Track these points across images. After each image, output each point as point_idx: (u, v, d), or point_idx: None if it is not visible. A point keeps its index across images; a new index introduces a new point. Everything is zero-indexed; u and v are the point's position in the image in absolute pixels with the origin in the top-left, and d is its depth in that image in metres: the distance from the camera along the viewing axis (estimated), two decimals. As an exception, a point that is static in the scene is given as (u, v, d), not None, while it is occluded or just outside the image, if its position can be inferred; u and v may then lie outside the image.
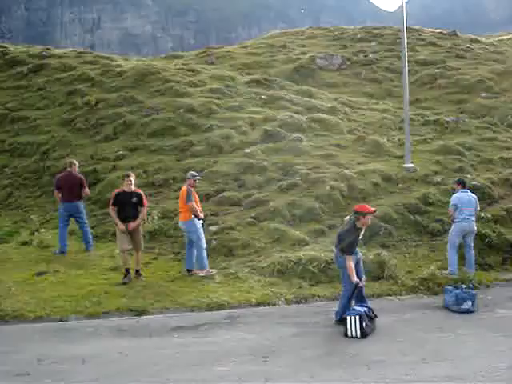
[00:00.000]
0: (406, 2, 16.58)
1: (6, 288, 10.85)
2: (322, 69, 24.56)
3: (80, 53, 26.19)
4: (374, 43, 27.63)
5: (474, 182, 14.85)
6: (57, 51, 26.47)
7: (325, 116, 19.05)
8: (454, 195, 12.38)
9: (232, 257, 12.63)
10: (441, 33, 29.88)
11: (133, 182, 11.73)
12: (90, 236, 13.65)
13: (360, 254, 9.62)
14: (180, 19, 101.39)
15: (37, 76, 23.41)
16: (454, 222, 12.14)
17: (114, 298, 10.42)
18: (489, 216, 13.77)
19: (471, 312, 10.03)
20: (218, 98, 20.02)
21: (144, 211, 11.83)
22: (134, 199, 11.61)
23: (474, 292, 10.33)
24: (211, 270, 11.66)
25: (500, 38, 32.55)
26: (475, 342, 8.56)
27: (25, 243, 13.94)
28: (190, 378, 7.22)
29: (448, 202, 12.63)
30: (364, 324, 8.84)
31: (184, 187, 11.91)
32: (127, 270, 11.39)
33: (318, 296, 10.81)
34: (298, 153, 16.70)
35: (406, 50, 16.74)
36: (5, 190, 17.73)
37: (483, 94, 22.06)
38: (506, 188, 15.46)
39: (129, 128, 18.83)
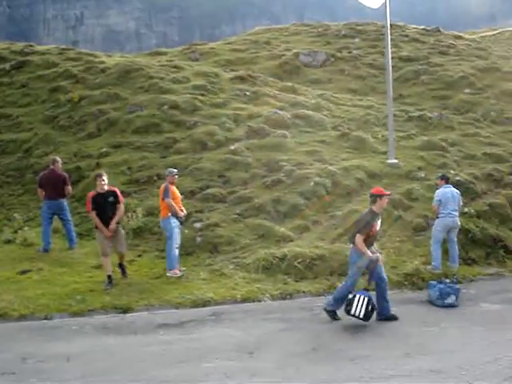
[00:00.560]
0: (390, -1, 16.64)
1: (-10, 287, 10.78)
2: (306, 65, 24.57)
3: (63, 49, 25.96)
4: (357, 39, 27.69)
5: (457, 178, 14.94)
6: (39, 48, 26.23)
7: (309, 112, 19.07)
8: (437, 191, 12.47)
9: (217, 253, 12.63)
10: (424, 29, 30.00)
11: (106, 181, 11.29)
12: (74, 234, 13.58)
13: (379, 255, 9.54)
14: (164, 15, 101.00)
15: (19, 73, 23.19)
16: (437, 217, 12.22)
17: (99, 296, 10.40)
18: (472, 211, 13.87)
19: (455, 306, 10.12)
20: (202, 95, 19.98)
21: (121, 208, 11.40)
22: (111, 198, 11.25)
23: (457, 287, 10.42)
24: (178, 272, 11.44)
25: (483, 34, 32.80)
26: (459, 336, 8.64)
27: (8, 241, 13.82)
28: (175, 375, 7.22)
29: (432, 198, 12.71)
30: (370, 307, 8.99)
31: (163, 185, 11.90)
32: (109, 277, 10.97)
33: (303, 292, 10.85)
34: (282, 149, 16.71)
35: (389, 46, 16.80)
36: (-13, 188, 17.59)
37: (466, 90, 22.18)
38: (489, 183, 15.57)
39: (112, 125, 18.73)
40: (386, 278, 9.53)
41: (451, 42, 27.57)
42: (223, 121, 18.17)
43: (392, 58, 17.96)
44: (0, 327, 9.26)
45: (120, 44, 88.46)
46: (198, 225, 13.38)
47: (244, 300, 10.36)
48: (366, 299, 9.03)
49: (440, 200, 12.14)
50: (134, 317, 9.70)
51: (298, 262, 11.66)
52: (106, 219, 11.10)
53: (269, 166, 15.81)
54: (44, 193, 13.35)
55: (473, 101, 21.39)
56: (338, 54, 25.55)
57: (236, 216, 13.76)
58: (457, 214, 12.21)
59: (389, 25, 16.86)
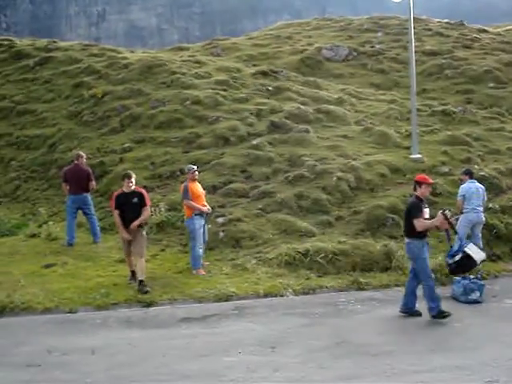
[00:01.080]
0: (413, -8, 16.49)
1: (15, 280, 10.92)
2: (329, 60, 24.45)
3: (86, 45, 26.14)
4: (380, 34, 27.48)
5: (481, 173, 14.78)
6: (63, 44, 26.43)
7: (331, 107, 18.98)
8: (461, 186, 12.35)
9: (239, 248, 12.65)
10: (448, 23, 29.68)
11: (133, 182, 10.94)
12: (98, 228, 13.69)
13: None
14: (185, 11, 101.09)
15: (43, 69, 23.40)
16: (462, 212, 12.11)
17: (123, 290, 10.48)
18: (496, 207, 13.72)
19: (479, 302, 10.03)
20: (225, 90, 19.98)
21: (147, 212, 10.97)
22: (135, 200, 10.82)
23: (482, 282, 10.33)
24: (203, 272, 11.38)
25: (507, 28, 32.33)
26: (483, 332, 8.56)
27: (33, 236, 13.99)
28: (198, 369, 7.26)
29: (455, 193, 12.60)
30: (479, 248, 9.44)
31: (183, 184, 11.90)
32: (133, 272, 10.89)
33: (326, 287, 10.83)
34: (304, 144, 16.67)
35: (413, 40, 16.67)
36: (12, 183, 17.79)
37: (491, 84, 21.93)
38: (514, 178, 15.40)
39: (135, 120, 18.82)
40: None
41: (475, 35, 27.24)
42: (245, 116, 18.17)
43: (415, 52, 17.81)
44: (25, 320, 9.38)
45: (142, 40, 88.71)
46: (220, 220, 13.41)
47: (266, 295, 10.37)
48: (472, 244, 9.39)
49: (464, 195, 12.02)
50: (157, 311, 9.76)
51: (321, 257, 11.63)
52: (126, 220, 10.74)
53: (291, 161, 15.78)
54: (68, 187, 13.48)
55: (497, 95, 21.13)
56: (361, 49, 25.39)
57: (258, 211, 13.77)
58: (481, 209, 12.09)
59: (412, 18, 16.73)
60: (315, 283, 10.92)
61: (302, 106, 18.62)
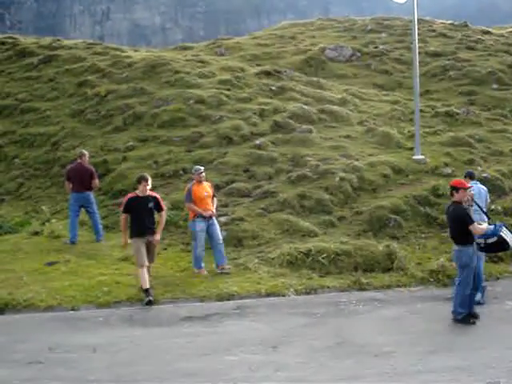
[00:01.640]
0: (417, -7, 16.50)
1: (18, 278, 10.95)
2: (332, 60, 24.44)
3: (90, 44, 26.16)
4: (384, 34, 27.45)
5: (484, 174, 14.80)
6: (67, 42, 26.45)
7: (335, 107, 18.99)
8: (464, 187, 12.32)
9: (241, 247, 12.66)
10: (452, 24, 29.65)
11: (149, 186, 10.37)
12: (101, 226, 13.71)
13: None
14: (189, 10, 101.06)
15: (47, 67, 23.41)
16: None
17: (125, 288, 10.51)
18: (499, 208, 13.73)
19: (481, 304, 10.02)
20: (228, 89, 19.99)
21: (164, 218, 10.61)
22: (151, 204, 10.26)
23: (483, 284, 10.33)
24: (204, 271, 11.37)
25: (511, 29, 32.28)
26: (484, 334, 8.57)
27: (36, 233, 14.01)
28: (199, 367, 7.28)
29: (458, 194, 12.57)
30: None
31: (187, 186, 11.85)
32: (147, 291, 9.95)
33: (328, 287, 10.85)
34: (307, 144, 16.68)
35: (416, 41, 16.67)
36: (16, 181, 17.81)
37: (494, 86, 21.91)
38: (517, 180, 15.40)
39: (139, 119, 18.84)
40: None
41: (479, 37, 27.20)
42: (249, 115, 18.19)
43: (419, 53, 17.81)
44: (27, 317, 9.41)
45: (146, 39, 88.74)
46: (222, 219, 13.40)
47: (268, 294, 10.39)
48: (505, 227, 9.36)
49: (466, 196, 12.00)
50: (159, 309, 9.78)
51: (323, 257, 11.65)
52: (141, 225, 10.14)
53: (294, 161, 15.80)
54: (71, 186, 13.50)
55: (500, 97, 21.11)
56: (364, 49, 25.37)
57: (261, 211, 13.78)
58: (484, 210, 12.06)
59: (416, 19, 16.73)
60: (317, 283, 10.94)
61: (305, 106, 18.63)
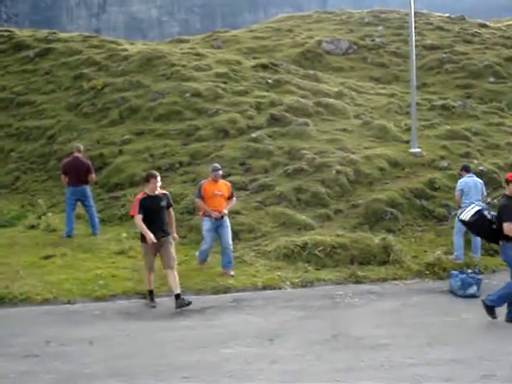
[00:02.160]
0: (414, -14, 16.47)
1: (14, 271, 10.94)
2: (329, 53, 24.38)
3: (86, 37, 26.03)
4: (380, 27, 27.38)
5: (480, 167, 14.81)
6: (63, 35, 26.32)
7: (331, 100, 18.96)
8: (459, 180, 12.37)
9: (238, 241, 12.65)
10: (448, 17, 29.61)
11: (159, 183, 9.69)
12: (97, 220, 13.70)
13: None
14: (186, 3, 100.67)
15: (43, 60, 23.31)
16: (460, 207, 12.12)
17: (121, 282, 10.52)
18: (495, 201, 13.74)
19: (476, 297, 10.06)
20: (224, 83, 19.94)
21: (172, 214, 10.00)
22: (163, 203, 9.62)
23: (479, 277, 10.39)
24: (201, 265, 11.31)
25: (508, 23, 32.24)
26: (480, 327, 8.62)
27: (32, 227, 13.99)
28: (196, 360, 7.29)
29: (454, 187, 12.61)
30: None
31: (200, 182, 11.57)
32: (151, 292, 9.78)
33: (324, 280, 10.88)
34: (304, 137, 16.66)
35: (413, 34, 16.64)
36: (12, 174, 17.77)
37: (491, 79, 21.91)
38: (513, 173, 15.41)
39: (135, 112, 18.79)
40: None
41: (476, 30, 27.17)
42: (245, 108, 18.15)
43: (416, 46, 17.78)
44: (24, 311, 9.41)
45: (142, 32, 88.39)
46: (219, 212, 13.41)
47: (265, 287, 10.41)
48: None
49: (462, 190, 12.04)
50: (155, 302, 9.78)
51: (319, 250, 11.67)
52: (157, 227, 9.46)
53: (290, 154, 15.78)
54: (68, 179, 13.48)
55: (497, 90, 21.11)
56: (361, 42, 25.33)
57: (257, 204, 13.79)
58: (480, 203, 12.08)
59: (413, 12, 16.70)
60: (313, 276, 10.96)
61: (301, 99, 18.60)
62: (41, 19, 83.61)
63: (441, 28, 27.28)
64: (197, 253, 11.51)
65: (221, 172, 11.28)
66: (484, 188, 12.34)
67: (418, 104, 17.40)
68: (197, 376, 6.81)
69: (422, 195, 14.16)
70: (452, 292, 10.31)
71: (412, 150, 15.83)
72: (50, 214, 14.28)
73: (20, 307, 9.55)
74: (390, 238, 12.16)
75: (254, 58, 22.98)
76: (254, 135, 16.71)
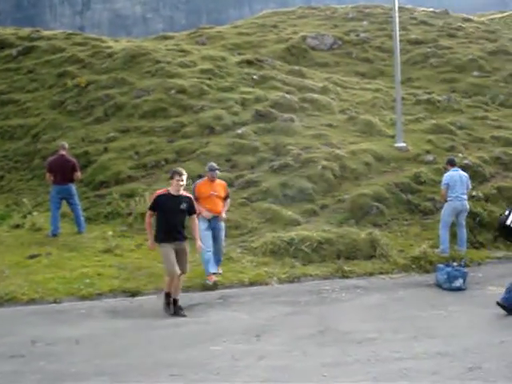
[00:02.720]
0: (398, -19, 16.52)
1: (-1, 271, 10.87)
2: (314, 48, 24.40)
3: (70, 34, 25.87)
4: (365, 22, 27.44)
5: (465, 161, 14.88)
6: (46, 33, 26.13)
7: (316, 96, 18.97)
8: (445, 174, 12.42)
9: (224, 237, 12.63)
10: (433, 12, 29.73)
11: (184, 182, 8.98)
12: (82, 218, 13.62)
13: None
14: (170, 0, 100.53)
15: (26, 58, 23.15)
16: (446, 201, 12.18)
17: (107, 280, 10.46)
18: (480, 194, 13.83)
19: (462, 290, 10.14)
20: (210, 79, 19.90)
21: (196, 222, 9.31)
22: (183, 205, 8.92)
23: (465, 270, 10.43)
24: (213, 278, 10.46)
25: (492, 16, 32.45)
26: (466, 319, 8.65)
27: (17, 226, 13.89)
28: (183, 358, 7.27)
29: (440, 181, 12.67)
30: None
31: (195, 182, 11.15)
32: (169, 295, 9.09)
33: (311, 275, 10.90)
34: (289, 133, 16.66)
35: (397, 29, 16.67)
36: (-4, 174, 17.66)
37: (475, 73, 22.01)
38: (497, 166, 15.52)
39: (120, 110, 18.70)
40: None
41: (460, 24, 27.31)
42: (230, 105, 18.13)
43: (400, 41, 17.84)
44: (9, 311, 9.35)
45: (127, 29, 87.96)
46: (205, 209, 13.38)
47: (252, 283, 10.41)
48: None
49: (448, 183, 12.09)
50: (142, 300, 9.77)
51: (306, 246, 11.68)
52: (171, 228, 8.90)
53: (276, 150, 15.78)
54: (53, 178, 13.38)
55: (481, 84, 21.23)
56: (346, 37, 25.37)
57: (243, 200, 13.78)
58: (465, 197, 12.16)
59: (397, 7, 16.74)
60: (300, 271, 10.98)
61: (287, 95, 18.59)
62: (24, 17, 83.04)
63: (425, 22, 27.39)
64: (205, 271, 10.68)
65: (218, 172, 10.91)
66: (469, 181, 12.40)
67: (403, 99, 17.45)
68: (184, 373, 6.79)
69: (408, 189, 14.21)
70: (438, 285, 10.36)
71: (397, 145, 15.89)
72: (35, 213, 14.20)
73: (5, 307, 9.47)
74: (376, 232, 12.20)
75: (239, 54, 22.94)
76: (239, 131, 16.69)
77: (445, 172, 12.64)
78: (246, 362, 7.06)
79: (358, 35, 25.69)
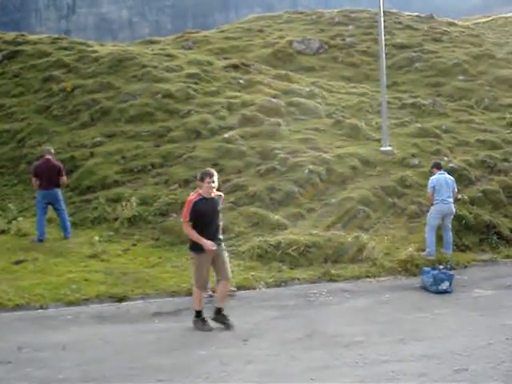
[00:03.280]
0: (383, -15, 16.61)
1: (-15, 277, 10.78)
2: (300, 53, 24.49)
3: (55, 39, 25.79)
4: (351, 27, 27.58)
5: (451, 164, 14.98)
6: (31, 37, 26.04)
7: (303, 100, 19.03)
8: (431, 178, 12.48)
9: (212, 242, 12.63)
10: (418, 16, 29.95)
11: (216, 183, 8.25)
12: (68, 224, 13.55)
13: None
14: (157, 4, 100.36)
15: (11, 63, 23.05)
16: (432, 204, 12.24)
17: (94, 285, 10.41)
18: (465, 198, 13.91)
19: (449, 292, 10.19)
20: (196, 83, 19.91)
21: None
22: (220, 207, 8.42)
23: (451, 273, 10.49)
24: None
25: (476, 21, 32.74)
26: (453, 322, 8.69)
27: (2, 232, 13.79)
28: (170, 363, 7.25)
29: (426, 185, 12.73)
30: None
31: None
32: (201, 313, 8.55)
33: (298, 279, 10.90)
34: (276, 137, 16.70)
35: (382, 33, 16.76)
36: (-19, 179, 17.53)
37: (460, 77, 22.18)
38: (483, 170, 15.63)
39: (106, 114, 18.66)
40: None
41: (445, 28, 27.53)
42: (217, 109, 18.14)
43: (385, 46, 17.94)
44: (-5, 317, 9.28)
45: (113, 33, 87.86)
46: (192, 213, 13.37)
47: (239, 288, 10.38)
48: None
49: (434, 187, 12.15)
50: (129, 305, 9.72)
51: (293, 250, 11.69)
52: (212, 235, 8.23)
53: (262, 154, 15.81)
54: (39, 183, 13.30)
55: (466, 88, 21.40)
56: (332, 42, 25.49)
57: (230, 204, 13.76)
58: (451, 200, 12.22)
59: (382, 12, 16.84)
60: (287, 275, 10.98)
61: (273, 99, 18.64)
62: (9, 21, 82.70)
63: (410, 27, 27.60)
64: None
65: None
66: (455, 185, 12.47)
67: (388, 103, 17.56)
68: (172, 378, 6.78)
69: (394, 193, 14.28)
70: (424, 288, 10.40)
71: (383, 149, 15.96)
72: (20, 219, 14.09)
73: (-9, 313, 9.40)
74: (363, 236, 12.23)
75: (225, 58, 22.99)
76: (226, 136, 16.70)
77: (431, 175, 12.71)
78: (234, 367, 7.06)
79: (343, 40, 25.83)
